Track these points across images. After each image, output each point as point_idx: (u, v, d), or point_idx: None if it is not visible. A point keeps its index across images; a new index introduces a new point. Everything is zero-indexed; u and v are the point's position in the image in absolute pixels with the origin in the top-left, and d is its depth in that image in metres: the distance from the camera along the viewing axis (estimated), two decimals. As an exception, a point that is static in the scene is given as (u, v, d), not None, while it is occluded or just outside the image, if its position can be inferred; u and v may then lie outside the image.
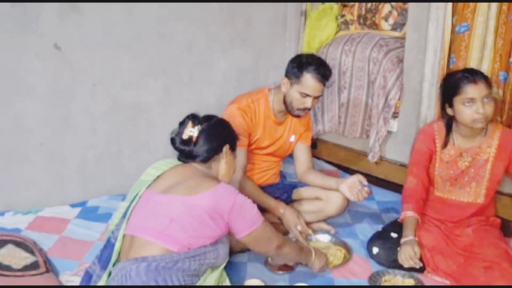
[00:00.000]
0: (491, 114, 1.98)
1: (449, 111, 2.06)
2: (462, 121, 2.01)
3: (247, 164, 2.40)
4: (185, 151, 1.83)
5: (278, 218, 2.30)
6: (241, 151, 2.31)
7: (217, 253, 1.72)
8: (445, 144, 2.12)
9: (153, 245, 1.64)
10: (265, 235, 1.81)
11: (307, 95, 2.23)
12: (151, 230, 1.67)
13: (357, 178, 2.28)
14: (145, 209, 1.73)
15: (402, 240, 2.07)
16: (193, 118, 1.84)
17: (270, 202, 2.31)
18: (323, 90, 2.27)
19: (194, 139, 1.80)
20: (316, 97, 2.27)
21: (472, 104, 1.95)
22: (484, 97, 1.94)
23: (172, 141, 1.85)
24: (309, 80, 2.22)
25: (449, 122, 2.10)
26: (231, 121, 2.30)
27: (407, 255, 2.01)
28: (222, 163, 1.87)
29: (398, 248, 2.12)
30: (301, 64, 2.25)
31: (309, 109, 2.33)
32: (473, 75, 1.96)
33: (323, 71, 2.23)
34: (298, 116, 2.36)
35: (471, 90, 1.94)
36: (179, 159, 1.88)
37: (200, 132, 1.81)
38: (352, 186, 2.27)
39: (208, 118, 1.88)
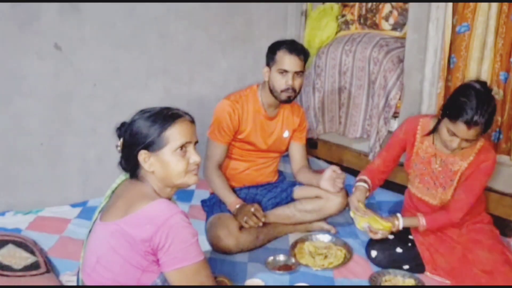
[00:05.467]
0: (469, 146, 1.96)
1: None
2: (441, 140, 1.99)
3: (225, 159, 2.44)
4: (121, 167, 1.59)
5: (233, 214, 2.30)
6: (218, 145, 2.38)
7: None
8: (427, 134, 2.08)
9: None
10: (198, 278, 1.43)
11: (286, 71, 2.26)
12: (85, 271, 1.51)
13: (331, 170, 2.35)
14: (89, 240, 1.55)
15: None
16: (119, 129, 1.57)
17: (230, 198, 2.32)
18: (301, 66, 2.29)
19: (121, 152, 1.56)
20: (297, 74, 2.28)
21: (454, 138, 1.90)
22: (465, 139, 1.89)
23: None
24: (282, 55, 2.27)
25: (439, 123, 2.02)
26: (218, 117, 2.35)
27: (353, 204, 2.14)
28: (149, 173, 1.50)
29: (397, 249, 2.12)
30: (272, 47, 2.34)
31: (294, 91, 2.30)
32: (470, 123, 1.83)
33: (295, 45, 2.30)
34: (286, 101, 2.34)
35: (458, 132, 1.87)
36: None
37: (122, 144, 1.55)
38: (330, 180, 2.33)
39: (129, 123, 1.54)
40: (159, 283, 1.44)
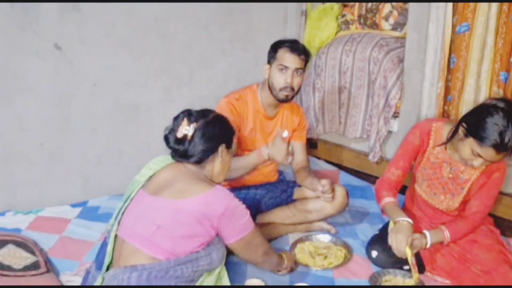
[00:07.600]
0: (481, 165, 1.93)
1: (460, 133, 1.90)
2: (461, 157, 1.94)
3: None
4: (179, 151, 1.74)
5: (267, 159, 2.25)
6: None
7: (211, 258, 1.68)
8: (442, 144, 2.04)
9: (141, 253, 1.62)
10: (254, 241, 1.79)
11: (286, 67, 2.26)
12: (138, 237, 1.64)
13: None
14: (136, 211, 1.70)
15: (394, 224, 2.00)
16: (189, 115, 1.74)
17: (252, 155, 2.27)
18: (302, 65, 2.29)
19: (188, 137, 1.71)
20: (297, 72, 2.27)
21: (478, 158, 1.84)
22: (485, 163, 1.87)
23: (166, 139, 1.77)
24: (283, 53, 2.28)
25: (455, 132, 1.94)
26: None
27: (401, 251, 1.94)
28: (217, 163, 1.78)
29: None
30: (274, 45, 2.36)
31: (293, 90, 2.29)
32: (499, 148, 1.76)
33: (297, 45, 2.31)
34: (284, 101, 2.34)
35: (485, 156, 1.81)
36: (173, 157, 1.80)
37: (196, 131, 1.71)
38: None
39: (204, 114, 1.77)
40: (202, 254, 1.66)
